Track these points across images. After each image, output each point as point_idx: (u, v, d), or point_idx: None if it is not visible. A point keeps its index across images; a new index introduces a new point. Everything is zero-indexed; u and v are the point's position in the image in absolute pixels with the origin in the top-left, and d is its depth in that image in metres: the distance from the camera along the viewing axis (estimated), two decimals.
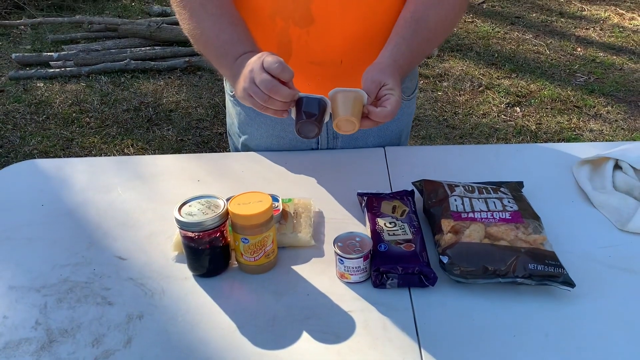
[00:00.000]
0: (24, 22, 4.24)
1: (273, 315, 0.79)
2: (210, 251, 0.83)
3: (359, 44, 1.07)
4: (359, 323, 0.77)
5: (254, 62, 0.89)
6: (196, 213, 0.82)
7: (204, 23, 0.98)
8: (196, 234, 0.82)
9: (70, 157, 2.34)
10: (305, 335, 0.76)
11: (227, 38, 0.97)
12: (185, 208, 0.83)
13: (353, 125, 0.87)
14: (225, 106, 1.31)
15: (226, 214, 0.84)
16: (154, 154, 2.74)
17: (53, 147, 2.83)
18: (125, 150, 2.80)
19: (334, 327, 0.77)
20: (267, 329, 0.77)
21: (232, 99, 1.23)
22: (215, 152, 1.99)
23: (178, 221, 0.82)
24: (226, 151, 1.32)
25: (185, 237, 0.83)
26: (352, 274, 0.83)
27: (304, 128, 0.88)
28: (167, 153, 2.74)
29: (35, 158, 1.25)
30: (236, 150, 1.29)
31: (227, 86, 1.26)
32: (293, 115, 0.90)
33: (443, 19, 1.02)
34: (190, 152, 2.73)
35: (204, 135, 2.95)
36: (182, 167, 1.15)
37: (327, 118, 0.91)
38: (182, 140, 2.91)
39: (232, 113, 1.26)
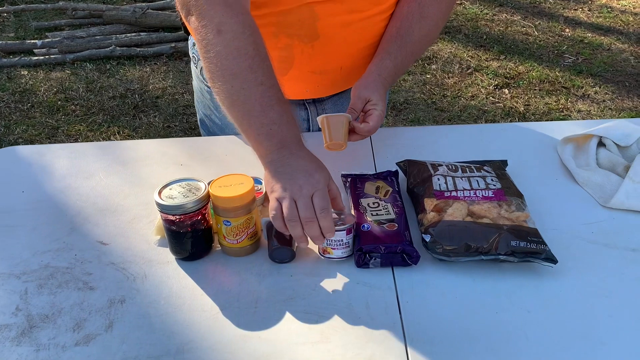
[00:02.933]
0: (6, 9, 4.16)
1: (256, 297, 0.79)
2: (192, 234, 0.83)
3: (358, 52, 1.09)
4: (342, 302, 0.77)
5: (304, 180, 0.80)
6: (177, 196, 0.81)
7: (251, 90, 0.85)
8: (177, 217, 0.81)
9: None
10: (288, 316, 0.76)
11: (275, 117, 0.85)
12: (166, 191, 0.82)
13: (341, 146, 0.95)
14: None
15: (207, 196, 0.83)
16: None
17: (38, 136, 2.80)
18: (112, 138, 2.77)
19: (317, 307, 0.77)
20: (250, 311, 0.77)
21: (208, 88, 1.21)
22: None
23: (158, 204, 0.81)
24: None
25: (166, 221, 0.82)
26: (334, 248, 0.82)
27: (278, 254, 0.84)
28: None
29: None
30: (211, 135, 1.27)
31: (198, 72, 1.22)
32: (264, 238, 0.87)
33: (426, 33, 1.06)
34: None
35: (191, 121, 2.93)
36: (165, 151, 1.14)
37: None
38: (169, 126, 2.89)
39: (209, 105, 1.24)
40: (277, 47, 1.04)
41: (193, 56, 1.21)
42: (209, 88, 1.20)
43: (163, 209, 0.81)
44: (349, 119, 0.97)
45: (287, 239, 0.83)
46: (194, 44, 1.19)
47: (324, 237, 0.80)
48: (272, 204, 0.81)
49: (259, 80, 0.85)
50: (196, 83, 1.27)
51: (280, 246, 0.83)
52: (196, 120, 2.89)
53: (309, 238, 0.81)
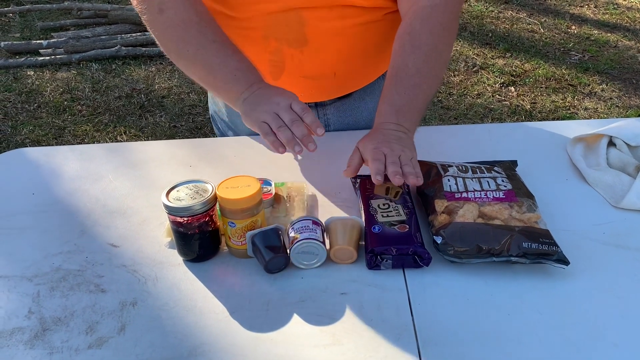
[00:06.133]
0: (12, 9, 4.18)
1: (267, 299, 0.79)
2: (199, 236, 0.83)
3: (352, 58, 1.07)
4: (354, 304, 0.77)
5: (280, 97, 0.90)
6: (184, 198, 0.81)
7: (206, 49, 0.93)
8: (185, 218, 0.81)
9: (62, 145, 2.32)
10: (299, 318, 0.76)
11: (236, 65, 0.93)
12: (173, 193, 0.83)
13: (350, 254, 0.83)
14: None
15: (214, 198, 0.83)
16: (147, 141, 2.72)
17: (45, 136, 2.81)
18: (118, 138, 2.78)
19: (329, 309, 0.77)
20: (261, 313, 0.77)
21: None
22: (209, 137, 1.98)
23: (166, 206, 0.81)
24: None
25: (174, 222, 0.82)
26: (300, 232, 0.82)
27: (273, 264, 0.82)
28: (160, 140, 2.72)
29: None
30: (223, 135, 1.27)
31: None
32: (250, 253, 0.84)
33: (424, 61, 0.95)
34: (184, 139, 2.71)
35: (197, 121, 2.93)
36: (174, 153, 1.14)
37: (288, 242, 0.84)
38: (175, 126, 2.89)
39: (218, 101, 1.24)
40: (268, 50, 1.03)
41: None
42: None
43: (171, 210, 0.81)
44: (360, 223, 0.86)
45: (277, 246, 0.82)
46: None
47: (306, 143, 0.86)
48: (261, 126, 0.87)
49: (210, 39, 0.93)
50: None
51: (274, 256, 0.81)
52: (202, 120, 2.91)
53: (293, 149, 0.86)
